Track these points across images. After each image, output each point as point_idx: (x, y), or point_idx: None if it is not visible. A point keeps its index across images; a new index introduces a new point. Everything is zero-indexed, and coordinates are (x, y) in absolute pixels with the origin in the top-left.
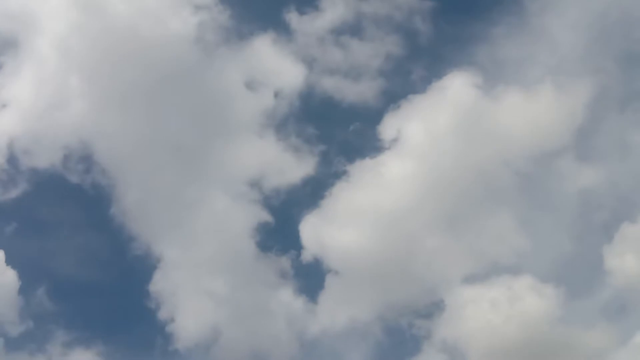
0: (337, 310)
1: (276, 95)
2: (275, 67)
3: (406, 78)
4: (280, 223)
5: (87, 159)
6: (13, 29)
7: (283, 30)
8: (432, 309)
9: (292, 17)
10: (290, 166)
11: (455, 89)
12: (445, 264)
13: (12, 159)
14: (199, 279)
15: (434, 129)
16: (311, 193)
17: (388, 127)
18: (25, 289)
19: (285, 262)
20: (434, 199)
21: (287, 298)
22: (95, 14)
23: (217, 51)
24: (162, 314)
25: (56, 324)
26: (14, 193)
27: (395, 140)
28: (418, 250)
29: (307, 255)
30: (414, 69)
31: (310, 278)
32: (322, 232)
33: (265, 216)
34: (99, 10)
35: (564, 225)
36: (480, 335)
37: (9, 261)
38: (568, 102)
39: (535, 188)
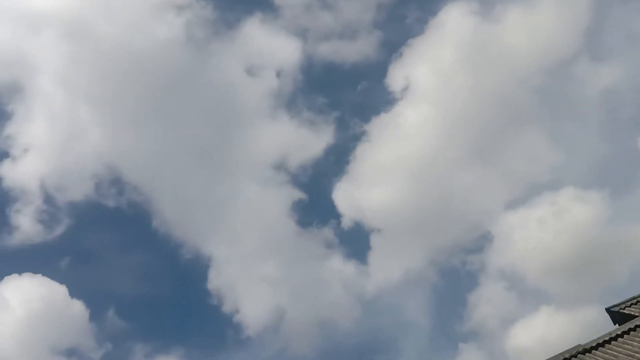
0: (388, 266)
1: (278, 74)
2: (270, 47)
3: (402, 23)
4: (314, 197)
5: (117, 182)
6: (13, 74)
7: (268, 8)
8: (481, 242)
9: None
10: (310, 140)
11: (453, 22)
12: (484, 195)
13: (48, 199)
14: (251, 267)
15: (441, 68)
16: (336, 161)
17: (395, 78)
18: (95, 316)
19: (327, 232)
20: (459, 136)
21: (338, 265)
22: (86, 41)
23: (210, 46)
24: (226, 308)
25: (133, 340)
26: (59, 230)
27: (405, 89)
28: (455, 189)
29: (347, 222)
30: (407, 12)
31: (355, 242)
32: (355, 195)
33: (298, 194)
34: (88, 37)
35: (593, 129)
36: (533, 256)
37: (72, 294)
38: (570, 6)
39: (556, 100)
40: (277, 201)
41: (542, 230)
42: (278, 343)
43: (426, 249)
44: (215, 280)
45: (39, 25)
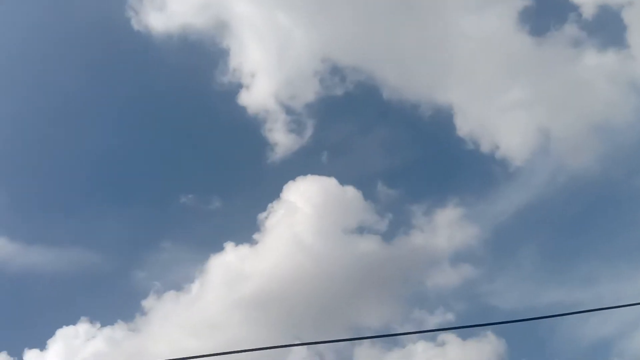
0: None
1: None
2: None
3: None
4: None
5: (336, 71)
6: (212, 13)
7: None
8: None
9: None
10: None
11: None
12: None
13: (288, 110)
14: (496, 99)
15: None
16: None
17: None
18: (367, 194)
19: (570, 29)
20: None
21: (594, 60)
22: None
23: None
24: (485, 148)
25: (408, 203)
26: (308, 132)
27: None
28: None
29: (588, 8)
30: None
31: (606, 27)
32: None
33: (520, 1)
34: None
35: None
36: None
37: (341, 182)
38: None
39: None
40: (498, 19)
41: None
42: (551, 164)
43: None
44: (464, 126)
45: None
